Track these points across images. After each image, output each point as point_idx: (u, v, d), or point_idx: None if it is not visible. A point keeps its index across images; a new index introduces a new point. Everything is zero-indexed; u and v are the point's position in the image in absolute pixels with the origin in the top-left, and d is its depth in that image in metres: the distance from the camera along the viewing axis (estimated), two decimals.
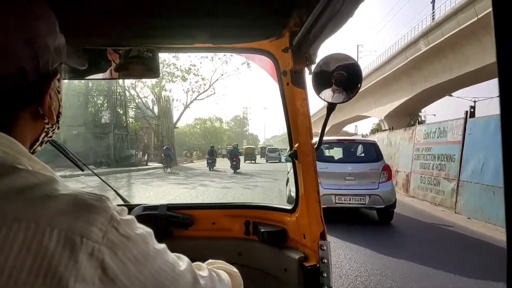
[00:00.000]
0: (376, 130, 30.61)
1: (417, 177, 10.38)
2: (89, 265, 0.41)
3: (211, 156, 24.24)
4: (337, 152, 8.00)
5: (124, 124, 27.80)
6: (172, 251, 0.54)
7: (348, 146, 7.84)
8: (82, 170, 1.46)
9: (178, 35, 1.17)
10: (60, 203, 0.42)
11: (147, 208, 1.39)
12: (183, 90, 47.80)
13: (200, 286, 0.56)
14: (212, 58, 30.30)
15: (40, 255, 0.38)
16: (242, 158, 26.54)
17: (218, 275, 0.66)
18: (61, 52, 0.54)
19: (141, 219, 0.52)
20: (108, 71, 1.16)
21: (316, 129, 1.15)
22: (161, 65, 1.30)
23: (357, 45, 64.55)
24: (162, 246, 0.51)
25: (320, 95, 0.99)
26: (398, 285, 3.93)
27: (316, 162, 1.20)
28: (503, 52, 0.31)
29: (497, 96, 0.31)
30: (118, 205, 0.48)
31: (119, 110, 27.33)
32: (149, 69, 1.18)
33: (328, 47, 1.11)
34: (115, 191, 1.54)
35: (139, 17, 1.04)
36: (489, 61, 20.32)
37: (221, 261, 0.78)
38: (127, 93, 29.80)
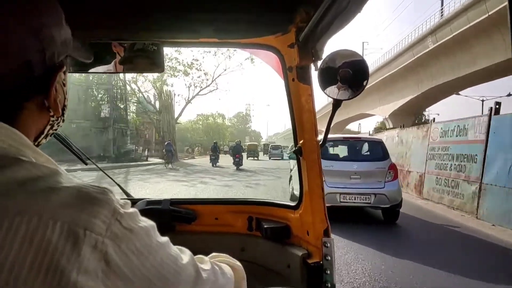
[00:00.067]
0: (380, 128, 30.44)
1: (432, 178, 9.72)
2: (92, 257, 0.41)
3: (214, 152, 24.34)
4: (342, 150, 7.92)
5: (125, 119, 27.73)
6: (175, 245, 0.54)
7: (354, 144, 7.76)
8: (86, 164, 1.47)
9: (183, 29, 1.17)
10: (63, 195, 0.42)
11: (150, 202, 1.41)
12: (185, 85, 47.86)
13: (202, 279, 0.57)
14: (215, 53, 30.19)
15: (43, 248, 0.38)
16: (244, 155, 26.49)
17: (220, 269, 0.66)
18: (67, 45, 0.55)
19: (144, 213, 0.52)
20: (112, 65, 1.17)
21: (320, 127, 1.14)
22: None
23: (363, 42, 64.25)
24: (165, 239, 0.52)
25: (326, 92, 1.00)
26: None
27: (321, 159, 1.21)
28: None
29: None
30: (121, 199, 0.48)
31: (120, 104, 27.24)
32: (154, 63, 1.19)
33: (333, 44, 1.12)
34: (118, 185, 1.54)
35: (144, 11, 1.05)
36: (500, 59, 20.11)
37: (224, 254, 0.78)
38: (128, 87, 29.77)
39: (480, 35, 21.05)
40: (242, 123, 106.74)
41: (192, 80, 31.66)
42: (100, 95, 27.51)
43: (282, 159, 34.80)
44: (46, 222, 0.39)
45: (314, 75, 1.07)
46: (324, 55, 1.03)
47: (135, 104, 32.68)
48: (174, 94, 33.91)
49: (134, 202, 1.37)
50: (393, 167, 6.98)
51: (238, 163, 21.86)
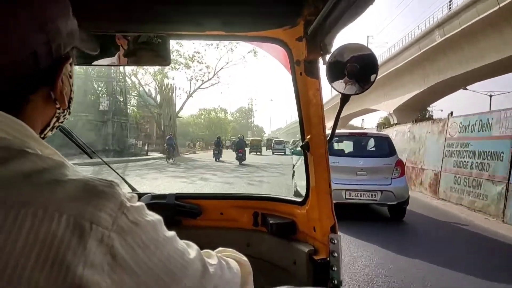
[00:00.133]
0: (383, 124, 30.22)
1: (450, 177, 8.98)
2: (99, 251, 0.40)
3: (218, 147, 24.51)
4: (347, 146, 7.81)
5: (124, 112, 27.57)
6: (181, 240, 0.54)
7: (360, 139, 7.65)
8: (91, 158, 1.48)
9: (190, 22, 1.16)
10: (69, 188, 0.42)
11: (155, 196, 1.43)
12: (186, 78, 47.59)
13: (209, 274, 0.56)
14: (217, 45, 30.01)
15: (48, 241, 0.38)
16: (247, 150, 26.48)
17: (227, 263, 0.66)
18: (73, 36, 0.55)
19: (149, 207, 0.51)
20: (117, 57, 1.17)
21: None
22: None
23: (367, 36, 63.74)
24: (172, 233, 0.52)
25: (333, 86, 1.00)
26: None
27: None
28: None
29: None
30: (128, 193, 0.48)
31: (119, 97, 27.07)
32: (160, 56, 1.18)
33: (337, 37, 1.09)
34: (123, 179, 1.54)
35: (151, 3, 1.04)
36: (510, 53, 19.82)
37: (231, 249, 0.78)
38: (128, 80, 29.59)
39: (489, 29, 20.75)
40: (244, 118, 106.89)
41: (193, 73, 31.55)
42: (99, 88, 27.32)
43: (285, 154, 34.85)
44: (51, 215, 0.39)
45: (322, 69, 1.08)
46: (332, 49, 1.03)
47: (136, 97, 32.53)
48: (175, 88, 33.80)
49: (139, 196, 1.36)
50: (400, 163, 6.90)
51: (241, 158, 21.88)
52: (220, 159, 24.25)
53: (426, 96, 33.12)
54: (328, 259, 1.15)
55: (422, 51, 27.99)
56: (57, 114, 0.56)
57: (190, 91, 33.38)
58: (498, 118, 7.45)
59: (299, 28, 1.13)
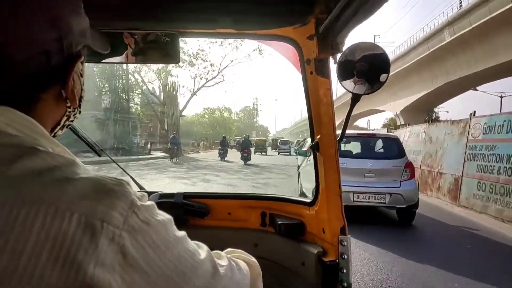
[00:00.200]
0: (389, 125, 29.93)
1: (473, 183, 8.24)
2: (110, 250, 0.41)
3: (223, 147, 24.58)
4: (355, 147, 7.64)
5: (126, 110, 27.43)
6: None
7: (368, 140, 7.49)
8: (100, 156, 1.49)
9: (201, 19, 1.16)
10: (80, 186, 0.42)
11: (163, 195, 1.44)
12: (190, 76, 47.48)
13: (219, 275, 0.57)
14: (221, 43, 29.91)
15: (60, 239, 0.38)
16: (252, 149, 26.45)
17: (237, 264, 0.66)
18: (85, 34, 0.55)
19: (158, 206, 0.51)
20: (126, 55, 1.16)
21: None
22: None
23: (374, 35, 63.32)
24: (182, 233, 0.52)
25: (343, 85, 1.00)
26: None
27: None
28: None
29: None
30: (138, 192, 0.48)
31: (122, 95, 26.99)
32: (169, 54, 1.18)
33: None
34: (132, 178, 1.53)
35: (162, 0, 1.04)
36: None
37: (240, 250, 0.78)
38: (131, 77, 29.50)
39: (501, 27, 20.43)
40: (249, 118, 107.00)
41: (197, 71, 31.43)
42: (101, 85, 27.24)
43: (290, 154, 34.83)
44: (62, 213, 0.39)
45: (333, 68, 1.07)
46: (344, 48, 1.02)
47: (139, 95, 32.45)
48: (179, 86, 33.74)
49: (147, 195, 1.25)
50: (409, 165, 6.75)
51: (246, 158, 21.81)
52: (225, 158, 24.28)
53: (434, 97, 32.86)
54: (337, 261, 1.15)
55: (430, 50, 27.74)
56: (67, 113, 0.56)
57: (194, 90, 33.34)
58: None
59: (310, 26, 1.12)
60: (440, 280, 4.07)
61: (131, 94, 29.75)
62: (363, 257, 4.70)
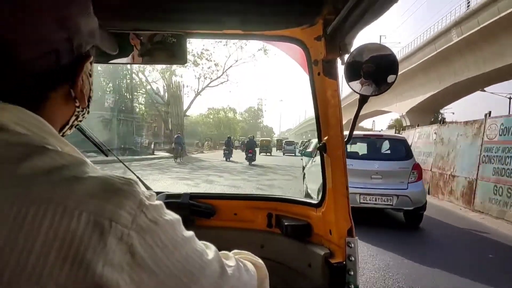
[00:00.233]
0: (394, 126, 29.75)
1: (488, 186, 7.87)
2: (118, 249, 0.41)
3: (228, 147, 24.63)
4: (362, 148, 7.60)
5: (130, 110, 27.42)
6: None
7: (375, 141, 7.47)
8: (107, 156, 1.50)
9: (208, 20, 1.16)
10: (89, 185, 0.42)
11: (170, 196, 1.46)
12: (195, 76, 47.58)
13: (227, 275, 0.57)
14: (226, 42, 29.88)
15: (68, 238, 0.38)
16: (257, 150, 26.48)
17: (245, 266, 0.66)
18: (94, 35, 0.56)
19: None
20: (132, 56, 1.17)
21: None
22: None
23: (380, 36, 63.05)
24: (190, 233, 0.52)
25: (350, 86, 1.00)
26: None
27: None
28: None
29: None
30: (146, 191, 0.48)
31: (126, 94, 27.02)
32: (176, 55, 1.18)
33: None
34: (138, 178, 1.53)
35: (168, 1, 1.04)
36: None
37: (246, 251, 0.78)
38: (135, 77, 29.53)
39: (510, 28, 20.21)
40: (253, 118, 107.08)
41: (202, 70, 31.45)
42: (105, 84, 27.31)
43: (295, 155, 34.82)
44: (71, 212, 0.39)
45: (340, 69, 1.08)
46: (352, 49, 1.02)
47: (143, 95, 32.49)
48: (183, 86, 33.75)
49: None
50: (417, 167, 6.70)
51: (251, 158, 21.86)
52: (230, 159, 24.35)
53: (441, 98, 32.64)
54: (344, 263, 1.15)
55: (437, 51, 27.54)
56: (76, 113, 0.57)
57: (198, 89, 33.37)
58: None
59: (317, 27, 1.12)
60: None
61: (135, 93, 29.80)
62: (369, 260, 4.66)
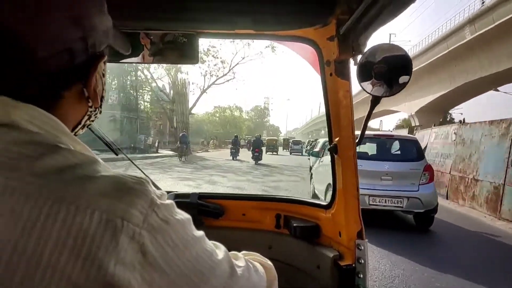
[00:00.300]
0: (402, 126, 29.45)
1: None
2: (130, 248, 0.41)
3: (235, 146, 24.78)
4: (372, 148, 7.46)
5: (134, 107, 27.43)
6: None
7: (385, 142, 7.33)
8: (117, 155, 1.51)
9: (220, 20, 1.17)
10: (101, 184, 0.43)
11: (178, 195, 1.48)
12: (201, 73, 47.53)
13: (236, 276, 0.57)
14: (233, 39, 29.77)
15: (81, 237, 0.39)
16: (263, 149, 26.46)
17: (254, 266, 0.67)
18: (108, 34, 0.56)
19: None
20: (144, 55, 1.17)
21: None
22: None
23: (390, 34, 62.47)
24: (201, 233, 0.53)
25: (362, 86, 1.00)
26: None
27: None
28: None
29: None
30: (158, 191, 0.49)
31: (131, 91, 27.02)
32: (188, 55, 1.19)
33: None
34: (147, 177, 1.36)
35: (181, 1, 1.05)
36: None
37: (255, 253, 0.78)
38: (141, 74, 29.55)
39: None
40: (260, 117, 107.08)
41: (208, 68, 31.42)
42: (109, 80, 27.36)
43: (302, 154, 34.73)
44: (83, 211, 0.40)
45: (353, 70, 1.07)
46: (365, 49, 1.02)
47: (148, 92, 32.50)
48: (189, 83, 33.73)
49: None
50: (429, 168, 6.59)
51: (257, 157, 21.91)
52: (237, 158, 24.50)
53: (452, 98, 32.18)
54: (354, 265, 1.15)
55: (449, 49, 27.14)
56: (89, 112, 0.57)
57: (204, 87, 33.32)
58: None
59: (330, 27, 1.12)
60: None
61: (140, 91, 29.84)
62: (378, 263, 4.59)
